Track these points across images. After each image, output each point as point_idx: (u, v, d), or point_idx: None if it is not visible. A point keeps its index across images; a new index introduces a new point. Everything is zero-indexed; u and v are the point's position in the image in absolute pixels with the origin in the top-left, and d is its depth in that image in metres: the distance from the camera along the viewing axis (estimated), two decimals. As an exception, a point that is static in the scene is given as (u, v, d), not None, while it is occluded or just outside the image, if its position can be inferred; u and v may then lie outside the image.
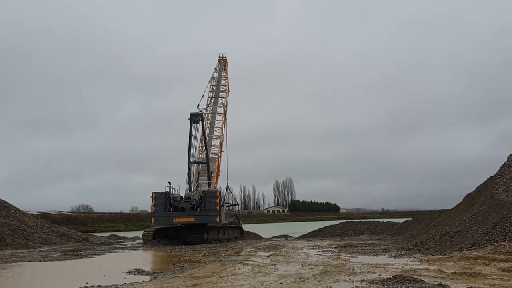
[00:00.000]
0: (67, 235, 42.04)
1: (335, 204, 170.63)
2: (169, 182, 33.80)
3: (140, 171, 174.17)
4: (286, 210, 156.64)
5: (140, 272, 16.39)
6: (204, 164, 36.71)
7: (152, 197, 31.45)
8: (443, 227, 24.86)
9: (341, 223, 43.07)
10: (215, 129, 40.33)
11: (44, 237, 37.45)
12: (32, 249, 30.97)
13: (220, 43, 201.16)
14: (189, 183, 34.78)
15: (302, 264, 16.69)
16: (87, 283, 13.45)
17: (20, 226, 37.49)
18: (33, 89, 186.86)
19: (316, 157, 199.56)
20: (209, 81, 42.16)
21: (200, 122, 34.56)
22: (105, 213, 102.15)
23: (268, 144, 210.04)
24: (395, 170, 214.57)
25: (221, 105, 41.57)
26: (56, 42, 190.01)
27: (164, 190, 32.80)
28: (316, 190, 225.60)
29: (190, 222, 32.28)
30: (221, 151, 40.06)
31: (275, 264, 17.03)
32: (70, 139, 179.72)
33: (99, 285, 13.07)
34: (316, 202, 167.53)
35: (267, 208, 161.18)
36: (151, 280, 14.28)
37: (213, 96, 41.77)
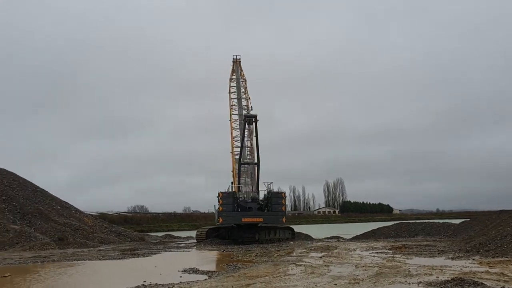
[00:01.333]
0: (124, 234, 43.53)
1: (387, 205, 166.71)
2: (231, 183, 34.32)
3: (192, 172, 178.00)
4: (337, 211, 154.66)
5: (195, 271, 16.73)
6: (247, 165, 37.24)
7: (219, 196, 31.74)
8: (504, 228, 23.72)
9: (394, 224, 42.03)
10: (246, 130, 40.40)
11: (103, 237, 38.96)
12: (92, 248, 32.31)
13: (266, 48, 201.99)
14: (238, 183, 35.23)
15: (355, 266, 16.46)
16: (144, 281, 13.89)
17: (80, 226, 39.22)
18: (93, 95, 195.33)
19: (367, 157, 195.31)
20: (230, 84, 42.55)
21: (254, 123, 34.81)
22: (159, 213, 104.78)
23: (318, 144, 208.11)
24: (450, 169, 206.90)
25: (245, 107, 41.63)
26: (115, 52, 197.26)
27: (230, 190, 33.44)
28: (367, 191, 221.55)
29: (259, 222, 32.84)
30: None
31: (328, 265, 16.90)
32: (127, 142, 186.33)
33: (156, 284, 13.45)
34: (368, 203, 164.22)
35: (317, 209, 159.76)
36: (205, 279, 14.53)
37: (236, 98, 41.84)
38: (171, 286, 12.96)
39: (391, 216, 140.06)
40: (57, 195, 45.25)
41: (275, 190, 35.52)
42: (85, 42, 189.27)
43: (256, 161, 35.43)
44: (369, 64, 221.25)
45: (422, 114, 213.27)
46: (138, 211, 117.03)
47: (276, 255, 22.66)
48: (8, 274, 16.98)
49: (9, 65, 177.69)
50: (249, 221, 32.54)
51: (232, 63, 44.20)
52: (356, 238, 37.60)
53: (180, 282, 13.85)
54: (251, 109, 38.93)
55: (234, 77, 43.17)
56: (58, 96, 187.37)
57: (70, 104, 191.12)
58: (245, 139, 35.75)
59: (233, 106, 40.81)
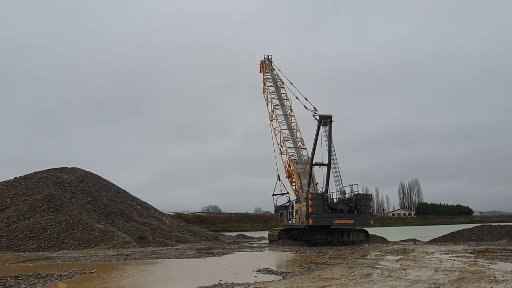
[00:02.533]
0: (200, 234, 44.92)
1: (467, 206, 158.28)
2: (316, 183, 34.42)
3: (264, 173, 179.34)
4: (412, 213, 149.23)
5: (269, 271, 16.93)
6: (304, 166, 37.15)
7: (308, 198, 31.78)
8: None
9: (475, 226, 39.83)
10: (295, 131, 39.98)
11: (180, 236, 40.46)
12: (170, 247, 33.66)
13: (342, 48, 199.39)
14: (309, 185, 35.20)
15: (435, 270, 15.85)
16: (220, 280, 14.28)
17: (159, 225, 41.00)
18: (172, 101, 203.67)
19: (445, 157, 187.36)
20: (264, 85, 42.54)
21: (329, 124, 34.64)
22: (232, 213, 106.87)
23: (392, 144, 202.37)
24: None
25: (289, 107, 41.13)
26: (194, 59, 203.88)
27: (321, 192, 33.49)
28: (445, 192, 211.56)
29: (350, 224, 32.89)
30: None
31: (406, 269, 16.41)
32: (203, 145, 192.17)
33: (232, 283, 13.77)
34: (445, 204, 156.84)
35: (392, 211, 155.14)
36: (280, 280, 14.66)
37: (276, 98, 41.57)
38: (246, 286, 13.21)
39: (471, 218, 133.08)
40: (138, 196, 47.71)
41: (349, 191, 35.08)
42: (164, 51, 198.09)
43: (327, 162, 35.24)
44: (447, 62, 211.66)
45: (504, 111, 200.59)
46: (211, 211, 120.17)
47: (350, 257, 22.34)
48: (95, 270, 18.16)
49: (98, 75, 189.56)
50: (341, 223, 32.54)
51: (261, 62, 44.61)
52: (434, 241, 36.12)
53: (255, 282, 14.08)
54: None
55: (267, 76, 43.14)
56: (141, 103, 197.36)
57: (152, 110, 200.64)
58: (318, 139, 35.52)
59: (276, 107, 40.91)
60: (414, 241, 38.14)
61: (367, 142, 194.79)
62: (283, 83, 42.84)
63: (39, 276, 15.69)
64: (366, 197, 34.10)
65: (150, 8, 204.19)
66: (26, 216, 35.15)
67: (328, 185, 35.00)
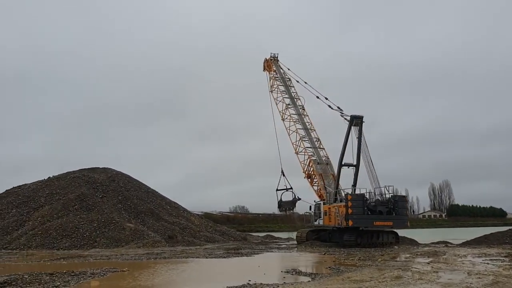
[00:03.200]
0: (228, 234, 45.17)
1: (500, 208, 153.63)
2: (352, 185, 34.35)
3: (291, 174, 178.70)
4: (443, 215, 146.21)
5: (298, 272, 16.89)
6: (325, 166, 37.03)
7: (348, 198, 31.70)
8: None
9: (510, 229, 38.65)
10: (310, 131, 39.47)
11: (208, 236, 40.79)
12: (198, 246, 33.99)
13: (375, 47, 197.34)
14: (337, 185, 35.01)
15: (468, 273, 15.51)
16: (249, 280, 14.33)
17: (188, 225, 41.46)
18: (204, 102, 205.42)
19: (477, 158, 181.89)
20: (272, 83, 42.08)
21: (360, 124, 34.54)
22: (259, 213, 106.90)
23: (423, 146, 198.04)
24: None
25: (301, 106, 40.48)
26: (227, 60, 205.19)
27: (361, 193, 33.32)
28: (477, 194, 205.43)
29: (389, 226, 32.92)
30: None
31: (437, 272, 16.11)
32: (233, 146, 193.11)
33: (260, 283, 13.79)
34: (478, 206, 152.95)
35: (422, 213, 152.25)
36: (309, 281, 14.61)
37: (287, 97, 41.04)
38: (275, 287, 13.21)
39: (505, 220, 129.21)
40: (168, 196, 48.41)
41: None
42: (198, 53, 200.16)
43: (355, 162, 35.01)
44: (480, 63, 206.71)
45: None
46: (239, 211, 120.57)
47: (380, 259, 22.07)
48: (126, 268, 18.51)
49: (132, 78, 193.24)
50: (381, 225, 32.44)
51: (265, 61, 44.12)
52: (466, 244, 35.27)
53: (284, 283, 14.06)
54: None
55: (273, 75, 42.56)
56: (174, 104, 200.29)
57: (184, 112, 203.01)
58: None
59: (289, 106, 40.37)
60: (446, 243, 37.38)
61: (397, 143, 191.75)
62: (290, 81, 42.23)
63: (72, 274, 16.10)
64: (403, 198, 34.16)
65: (180, 11, 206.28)
66: (60, 215, 36.10)
67: (355, 186, 34.84)
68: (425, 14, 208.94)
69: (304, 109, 40.41)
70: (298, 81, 41.40)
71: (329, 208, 34.18)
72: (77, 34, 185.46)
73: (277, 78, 42.52)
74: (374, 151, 37.67)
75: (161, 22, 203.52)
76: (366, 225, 32.07)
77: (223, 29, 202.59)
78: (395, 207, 32.69)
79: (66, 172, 46.07)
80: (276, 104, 41.37)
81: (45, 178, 44.96)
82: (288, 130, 39.76)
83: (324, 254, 26.76)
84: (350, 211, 31.14)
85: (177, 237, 36.42)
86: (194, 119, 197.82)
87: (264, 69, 44.67)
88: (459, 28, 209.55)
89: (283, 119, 40.46)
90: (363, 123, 34.59)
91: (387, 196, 33.47)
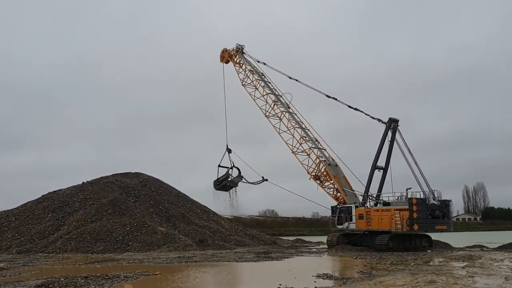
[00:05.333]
0: (258, 237, 45.19)
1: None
2: (407, 188, 34.14)
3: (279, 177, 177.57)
4: (478, 218, 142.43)
5: (329, 276, 16.73)
6: (334, 168, 36.70)
7: (413, 203, 31.45)
8: None
9: (549, 233, 37.51)
10: (306, 130, 38.31)
11: (238, 239, 40.90)
12: (229, 250, 34.14)
13: (406, 52, 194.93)
14: (367, 188, 34.64)
15: (505, 278, 15.08)
16: (280, 284, 14.30)
17: (218, 228, 41.69)
18: (237, 108, 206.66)
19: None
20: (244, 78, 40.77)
21: (397, 128, 34.61)
22: (289, 217, 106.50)
23: (456, 148, 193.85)
24: None
25: (285, 104, 38.84)
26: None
27: (423, 197, 33.14)
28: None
29: (444, 230, 33.37)
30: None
31: (473, 276, 15.72)
32: (263, 150, 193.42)
33: (291, 287, 13.77)
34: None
35: (456, 216, 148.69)
36: (340, 285, 14.48)
37: (270, 93, 39.35)
38: (306, 291, 13.18)
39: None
40: (198, 200, 48.88)
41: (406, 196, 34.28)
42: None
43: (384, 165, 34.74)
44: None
45: None
46: (268, 215, 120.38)
47: (413, 263, 21.67)
48: (159, 272, 18.77)
49: (167, 87, 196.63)
50: (440, 229, 32.97)
51: (223, 51, 43.41)
52: (503, 248, 34.28)
53: (315, 287, 14.01)
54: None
55: (243, 68, 41.47)
56: (208, 111, 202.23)
57: (215, 118, 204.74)
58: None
59: (277, 103, 38.94)
60: (481, 247, 36.40)
61: (430, 146, 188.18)
62: (264, 75, 40.58)
63: (106, 277, 16.45)
64: (449, 202, 34.51)
65: (215, 22, 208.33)
66: (94, 219, 36.91)
67: (381, 191, 34.53)
68: (456, 17, 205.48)
69: (289, 107, 38.84)
70: (291, 78, 39.61)
71: (368, 211, 33.61)
72: (122, 46, 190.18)
73: (244, 71, 41.33)
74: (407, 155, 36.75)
75: (192, 33, 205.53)
76: (428, 229, 32.37)
77: (252, 37, 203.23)
78: (446, 211, 33.18)
79: (100, 177, 47.07)
80: (254, 100, 40.05)
81: (79, 183, 46.03)
82: (278, 130, 38.38)
83: (356, 258, 26.45)
84: (415, 215, 30.90)
85: (208, 240, 36.67)
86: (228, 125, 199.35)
87: (222, 60, 43.81)
88: (491, 31, 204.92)
89: (266, 116, 38.97)
90: (398, 126, 34.69)
91: (437, 200, 33.60)
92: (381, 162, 34.99)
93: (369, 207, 34.28)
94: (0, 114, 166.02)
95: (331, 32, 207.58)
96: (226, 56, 43.56)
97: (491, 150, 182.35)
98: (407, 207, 31.15)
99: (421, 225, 30.99)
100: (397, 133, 34.59)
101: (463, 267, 19.31)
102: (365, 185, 34.97)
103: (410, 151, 34.35)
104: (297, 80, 39.35)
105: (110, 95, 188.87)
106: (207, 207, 47.67)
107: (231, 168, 40.62)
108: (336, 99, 37.95)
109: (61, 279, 15.34)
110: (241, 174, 40.38)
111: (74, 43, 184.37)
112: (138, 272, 18.45)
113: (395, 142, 34.56)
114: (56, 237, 34.75)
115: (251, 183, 40.46)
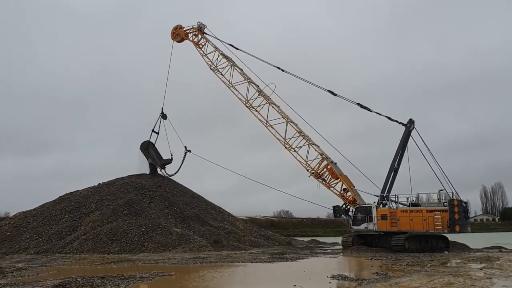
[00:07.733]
0: (272, 238, 45.13)
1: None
2: (440, 190, 34.02)
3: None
4: (496, 219, 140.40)
5: (344, 278, 16.63)
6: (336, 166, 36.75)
7: (455, 204, 31.66)
8: None
9: None
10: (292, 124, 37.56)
11: (253, 240, 40.91)
12: (243, 251, 34.15)
13: (425, 56, 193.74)
14: (384, 189, 34.44)
15: (524, 280, 14.86)
16: (295, 285, 14.29)
17: (233, 229, 41.74)
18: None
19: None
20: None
21: (414, 129, 34.85)
22: (304, 218, 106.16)
23: (474, 150, 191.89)
24: None
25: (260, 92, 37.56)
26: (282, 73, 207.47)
27: (461, 199, 33.21)
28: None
29: (468, 231, 33.69)
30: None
31: (491, 278, 15.50)
32: (280, 153, 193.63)
33: (307, 288, 13.76)
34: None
35: (473, 217, 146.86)
36: (355, 287, 14.40)
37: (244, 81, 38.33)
38: (321, 292, 13.13)
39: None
40: (215, 201, 49.11)
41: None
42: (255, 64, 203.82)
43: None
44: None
45: None
46: (283, 216, 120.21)
47: (429, 265, 21.44)
48: (174, 273, 18.86)
49: (190, 91, 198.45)
50: (468, 230, 33.52)
51: (175, 28, 43.25)
52: (522, 249, 33.85)
53: (330, 288, 13.96)
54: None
55: (198, 50, 40.78)
56: (229, 114, 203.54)
57: (236, 122, 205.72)
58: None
59: (261, 93, 38.14)
60: (499, 248, 35.92)
61: (448, 148, 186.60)
62: (234, 62, 39.08)
63: (122, 278, 16.60)
64: (467, 203, 34.69)
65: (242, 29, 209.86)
66: (109, 220, 37.24)
67: (389, 192, 34.34)
68: (475, 20, 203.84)
69: (268, 98, 37.64)
70: (279, 67, 38.97)
71: (392, 212, 33.37)
72: (146, 53, 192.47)
73: (212, 53, 40.46)
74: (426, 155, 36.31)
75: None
76: (464, 231, 32.44)
77: (279, 42, 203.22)
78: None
79: (115, 178, 47.46)
80: (229, 88, 39.13)
81: (95, 185, 46.49)
82: (265, 123, 37.49)
83: (371, 259, 26.27)
84: (457, 216, 31.01)
85: (223, 241, 36.74)
86: (247, 128, 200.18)
87: (175, 38, 43.35)
88: (509, 36, 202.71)
89: (248, 106, 38.05)
90: (414, 128, 34.85)
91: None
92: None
93: (392, 207, 34.10)
94: (31, 119, 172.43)
95: (356, 39, 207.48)
96: (182, 35, 43.19)
97: (509, 151, 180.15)
98: (443, 208, 31.52)
99: (461, 226, 31.27)
100: (417, 134, 34.74)
101: (481, 269, 19.04)
102: (382, 186, 34.71)
103: (431, 152, 34.35)
104: (297, 77, 38.97)
105: (134, 101, 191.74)
106: (221, 208, 47.80)
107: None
108: (346, 99, 37.61)
109: (78, 279, 15.51)
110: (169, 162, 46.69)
111: (103, 53, 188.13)
112: (154, 272, 18.56)
113: (414, 144, 34.76)
114: (73, 237, 35.13)
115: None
